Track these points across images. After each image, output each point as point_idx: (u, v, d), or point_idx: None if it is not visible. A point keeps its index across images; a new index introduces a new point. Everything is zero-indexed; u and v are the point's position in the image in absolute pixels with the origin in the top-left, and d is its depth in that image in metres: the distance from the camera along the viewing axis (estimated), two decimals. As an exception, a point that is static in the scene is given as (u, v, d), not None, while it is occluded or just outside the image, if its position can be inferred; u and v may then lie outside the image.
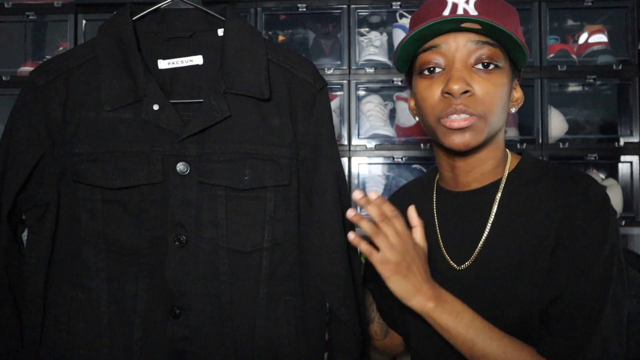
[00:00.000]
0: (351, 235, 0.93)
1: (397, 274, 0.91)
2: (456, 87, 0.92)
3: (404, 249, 0.91)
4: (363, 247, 0.92)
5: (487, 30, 0.93)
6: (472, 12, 0.93)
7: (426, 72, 0.98)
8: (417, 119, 1.07)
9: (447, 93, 0.94)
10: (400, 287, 0.92)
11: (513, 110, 1.03)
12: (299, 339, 1.06)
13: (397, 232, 0.92)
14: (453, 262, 1.02)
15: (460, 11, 0.93)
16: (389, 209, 0.93)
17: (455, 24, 0.93)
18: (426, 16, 0.96)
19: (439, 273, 1.00)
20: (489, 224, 1.00)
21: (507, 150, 1.06)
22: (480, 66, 0.95)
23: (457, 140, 0.95)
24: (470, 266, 1.00)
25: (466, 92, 0.93)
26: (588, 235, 0.90)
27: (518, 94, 1.04)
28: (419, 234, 0.97)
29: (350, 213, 0.94)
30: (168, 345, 1.02)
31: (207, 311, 1.03)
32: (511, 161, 1.05)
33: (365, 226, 0.92)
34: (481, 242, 0.99)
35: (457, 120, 0.94)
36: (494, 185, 1.02)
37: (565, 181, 0.97)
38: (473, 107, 0.94)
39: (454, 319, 0.92)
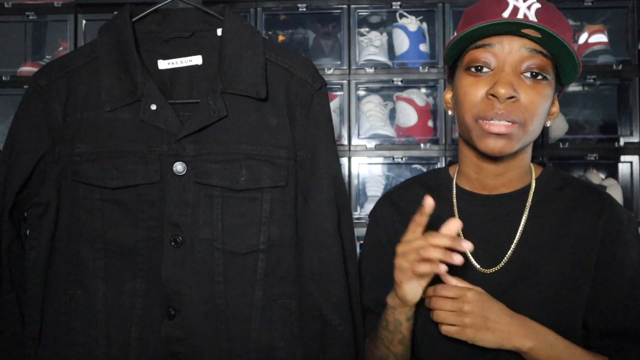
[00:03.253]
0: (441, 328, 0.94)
1: (479, 332, 0.91)
2: (503, 91, 0.90)
3: (469, 307, 0.91)
4: (442, 329, 0.93)
5: (545, 40, 0.91)
6: (532, 17, 0.91)
7: (473, 70, 0.96)
8: (450, 112, 1.06)
9: (492, 95, 0.92)
10: (491, 340, 0.91)
11: (548, 123, 1.02)
12: (294, 342, 1.05)
13: (452, 297, 0.92)
14: (479, 265, 1.01)
15: (520, 15, 0.91)
16: (429, 290, 0.95)
17: (516, 28, 0.91)
18: (484, 13, 0.94)
19: (462, 275, 0.99)
20: (520, 229, 1.00)
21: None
22: (528, 74, 0.93)
23: (492, 145, 0.94)
24: (500, 270, 0.99)
25: (512, 97, 0.91)
26: (630, 260, 0.97)
27: (555, 108, 1.03)
28: (462, 283, 0.95)
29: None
30: (163, 345, 1.02)
31: (202, 312, 1.02)
32: (535, 170, 1.05)
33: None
34: (513, 246, 0.99)
35: (498, 125, 0.92)
36: (524, 192, 1.03)
37: (591, 194, 1.01)
38: (515, 114, 0.92)
39: (550, 351, 0.92)
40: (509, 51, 0.93)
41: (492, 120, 0.93)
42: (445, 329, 0.93)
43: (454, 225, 0.89)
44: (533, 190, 1.02)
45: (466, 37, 0.94)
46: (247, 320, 1.04)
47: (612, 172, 2.13)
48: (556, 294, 0.96)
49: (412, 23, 2.08)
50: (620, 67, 2.02)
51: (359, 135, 2.09)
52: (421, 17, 2.11)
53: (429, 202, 0.90)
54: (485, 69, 0.95)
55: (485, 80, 0.94)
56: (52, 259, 1.06)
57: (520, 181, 1.04)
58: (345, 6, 2.09)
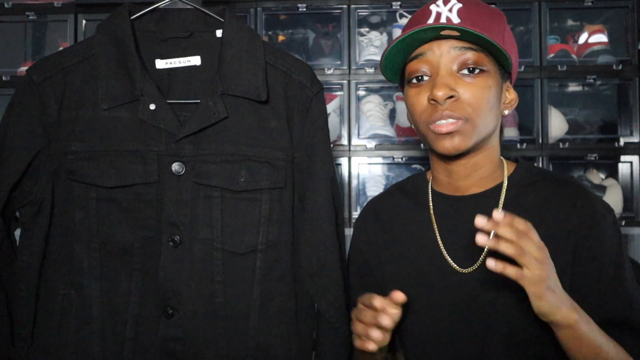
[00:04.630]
0: (491, 263, 0.81)
1: (548, 290, 0.84)
2: (440, 94, 0.94)
3: (548, 261, 0.85)
4: (510, 271, 0.81)
5: (467, 36, 0.94)
6: (455, 19, 0.95)
7: (414, 81, 0.99)
8: (413, 125, 1.08)
9: (432, 100, 0.96)
10: (551, 303, 0.84)
11: (506, 112, 1.04)
12: (290, 340, 1.06)
13: (538, 245, 0.83)
14: (457, 265, 1.02)
15: (443, 19, 0.95)
16: (520, 223, 0.83)
17: (436, 32, 0.94)
18: (412, 26, 0.98)
19: (441, 277, 1.01)
20: None
21: (502, 158, 1.08)
22: (465, 71, 0.96)
23: (447, 144, 0.97)
24: (477, 269, 1.00)
25: (451, 97, 0.95)
26: (609, 250, 0.95)
27: (511, 95, 1.04)
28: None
29: (481, 240, 0.81)
30: (160, 345, 1.02)
31: (201, 311, 1.03)
32: (507, 167, 1.06)
33: (506, 248, 0.80)
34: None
35: (444, 125, 0.95)
36: (496, 189, 1.03)
37: (565, 187, 1.00)
38: (459, 111, 0.95)
39: (589, 325, 0.89)
40: (439, 55, 0.96)
41: (439, 121, 0.96)
42: (512, 271, 0.82)
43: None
44: (505, 187, 1.03)
45: (398, 51, 0.98)
46: (245, 318, 1.04)
47: (612, 172, 2.13)
48: None
49: (412, 23, 2.07)
50: (620, 67, 2.02)
51: (359, 135, 2.09)
52: (421, 17, 2.11)
53: (398, 298, 0.90)
54: (425, 78, 0.98)
55: (426, 87, 0.98)
56: (45, 259, 1.05)
57: (491, 179, 1.04)
58: (345, 6, 2.09)
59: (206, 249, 1.03)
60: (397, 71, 1.05)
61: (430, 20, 0.96)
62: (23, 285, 1.04)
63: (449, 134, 0.96)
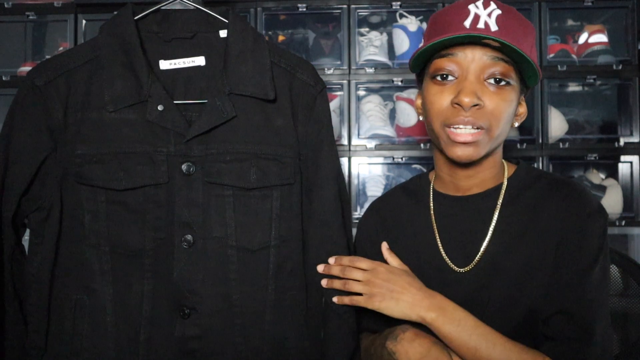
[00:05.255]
0: (336, 299, 1.05)
1: (385, 301, 0.98)
2: (467, 100, 0.93)
3: (378, 279, 1.00)
4: (347, 300, 1.03)
5: (504, 49, 0.94)
6: (493, 26, 0.93)
7: (438, 78, 0.99)
8: (421, 118, 1.08)
9: (457, 104, 0.95)
10: (396, 309, 0.98)
11: (516, 124, 1.05)
12: (302, 331, 1.08)
13: (363, 270, 1.02)
14: (454, 265, 1.03)
15: (481, 24, 0.93)
16: (345, 259, 1.05)
17: (477, 38, 0.93)
18: (447, 23, 0.96)
19: (439, 276, 1.03)
20: (492, 227, 1.02)
21: (503, 160, 1.09)
22: (492, 81, 0.96)
23: (460, 153, 0.97)
24: (473, 268, 1.01)
25: (476, 105, 0.94)
26: (586, 248, 0.95)
27: (522, 109, 1.06)
28: (394, 261, 1.06)
29: (324, 283, 1.06)
30: (176, 345, 1.02)
31: (217, 309, 1.04)
32: (508, 169, 1.07)
33: (337, 284, 1.04)
34: (484, 245, 1.01)
35: (463, 134, 0.96)
36: (495, 190, 1.04)
37: (560, 187, 1.00)
38: (481, 120, 0.95)
39: (456, 327, 0.94)
40: (471, 59, 0.96)
41: (458, 127, 0.96)
42: (354, 299, 1.02)
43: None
44: (504, 188, 1.04)
45: (431, 46, 0.97)
46: (261, 313, 1.06)
47: (612, 172, 2.13)
48: (525, 289, 0.96)
49: (412, 23, 2.08)
50: (620, 67, 2.02)
51: (359, 135, 2.09)
52: (421, 17, 2.11)
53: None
54: (450, 77, 0.98)
55: (450, 88, 0.97)
56: (56, 264, 1.04)
57: (492, 180, 1.05)
58: (345, 6, 2.09)
59: (220, 247, 1.04)
60: (420, 63, 1.04)
61: (468, 22, 0.94)
62: (34, 292, 1.03)
63: (466, 143, 0.96)
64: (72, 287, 1.03)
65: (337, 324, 1.07)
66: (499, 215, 1.02)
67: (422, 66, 1.05)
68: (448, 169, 1.06)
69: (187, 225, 1.02)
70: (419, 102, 1.09)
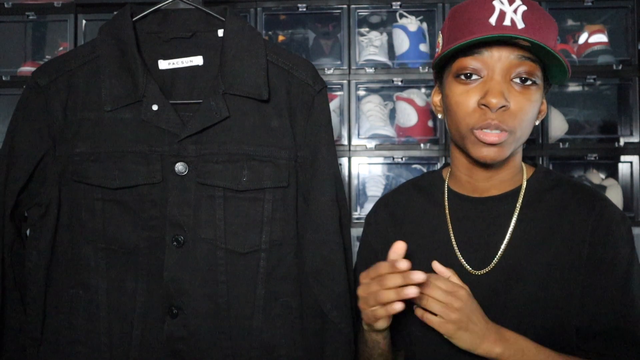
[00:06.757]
0: (419, 312, 0.93)
1: (459, 330, 0.90)
2: (495, 101, 0.91)
3: (459, 304, 0.90)
4: (419, 313, 0.92)
5: (533, 48, 0.91)
6: (519, 23, 0.90)
7: (463, 77, 0.95)
8: (440, 116, 1.06)
9: (484, 105, 0.93)
10: (466, 340, 0.90)
11: (537, 122, 1.02)
12: (295, 339, 1.06)
13: (445, 290, 0.90)
14: (470, 267, 1.01)
15: (507, 21, 0.90)
16: (422, 275, 0.89)
17: (507, 38, 0.91)
18: (471, 20, 0.93)
19: None
20: (510, 230, 1.00)
21: (522, 162, 1.07)
22: (518, 80, 0.94)
23: (485, 153, 0.95)
24: (490, 272, 1.00)
25: (503, 106, 0.92)
26: (620, 261, 0.95)
27: (543, 106, 1.03)
28: (456, 279, 0.94)
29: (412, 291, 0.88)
30: (165, 344, 1.02)
31: (205, 311, 1.03)
32: (527, 171, 1.05)
33: (412, 292, 0.87)
34: (502, 247, 0.99)
35: (491, 135, 0.93)
36: (514, 193, 1.03)
37: (585, 195, 1.00)
38: (507, 122, 0.93)
39: (521, 356, 0.92)
40: (498, 58, 0.93)
41: (485, 129, 0.93)
42: (428, 317, 0.92)
43: (399, 248, 0.89)
44: (523, 191, 1.03)
45: (460, 46, 0.94)
46: (249, 318, 1.05)
47: (612, 172, 2.13)
48: (544, 294, 0.96)
49: (412, 23, 2.08)
50: (620, 67, 2.02)
51: (359, 135, 2.09)
52: (421, 17, 2.11)
53: (398, 246, 0.90)
54: (474, 76, 0.95)
55: (475, 88, 0.94)
56: (53, 259, 1.06)
57: (511, 183, 1.04)
58: (345, 6, 2.09)
59: (209, 248, 1.04)
60: (440, 60, 1.00)
61: (493, 19, 0.91)
62: (32, 285, 1.06)
63: (492, 144, 0.93)
64: (68, 281, 1.05)
65: (334, 334, 1.06)
66: (517, 219, 1.00)
67: (443, 63, 1.01)
68: (467, 169, 1.04)
69: (178, 226, 1.03)
70: (436, 99, 1.06)
